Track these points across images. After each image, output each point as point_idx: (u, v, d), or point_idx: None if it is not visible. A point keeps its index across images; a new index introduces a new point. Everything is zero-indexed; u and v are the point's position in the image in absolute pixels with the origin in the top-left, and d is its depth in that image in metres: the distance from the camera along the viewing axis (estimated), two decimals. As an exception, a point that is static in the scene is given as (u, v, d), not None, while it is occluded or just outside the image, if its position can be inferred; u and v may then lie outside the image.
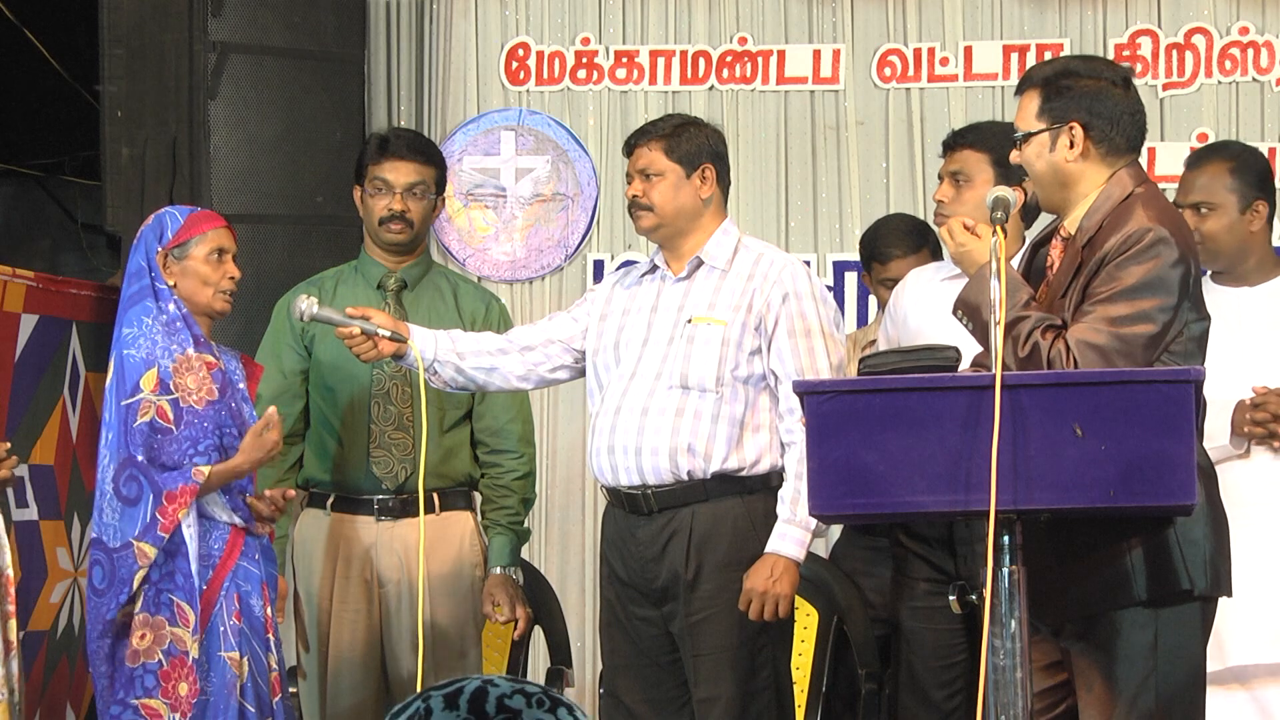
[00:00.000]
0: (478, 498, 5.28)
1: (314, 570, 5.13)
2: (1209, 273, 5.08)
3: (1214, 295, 5.00)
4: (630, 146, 4.77)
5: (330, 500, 5.16)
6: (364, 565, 5.13)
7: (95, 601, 4.61)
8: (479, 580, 5.17)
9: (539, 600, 5.56)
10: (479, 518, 5.25)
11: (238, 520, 4.71)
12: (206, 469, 4.62)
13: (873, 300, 6.14)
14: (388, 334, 4.62)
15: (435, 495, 5.10)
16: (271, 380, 5.14)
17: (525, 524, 5.26)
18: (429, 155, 5.26)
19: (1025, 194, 4.48)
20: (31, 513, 5.88)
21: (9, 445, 4.69)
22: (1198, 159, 5.04)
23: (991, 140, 4.97)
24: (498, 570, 5.15)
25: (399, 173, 5.17)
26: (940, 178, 5.02)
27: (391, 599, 5.12)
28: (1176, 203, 4.93)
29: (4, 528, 4.68)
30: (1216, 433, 4.89)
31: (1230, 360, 4.87)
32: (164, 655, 4.59)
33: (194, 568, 4.60)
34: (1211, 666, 4.76)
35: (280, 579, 5.04)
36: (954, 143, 4.98)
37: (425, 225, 5.26)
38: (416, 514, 5.01)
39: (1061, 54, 6.43)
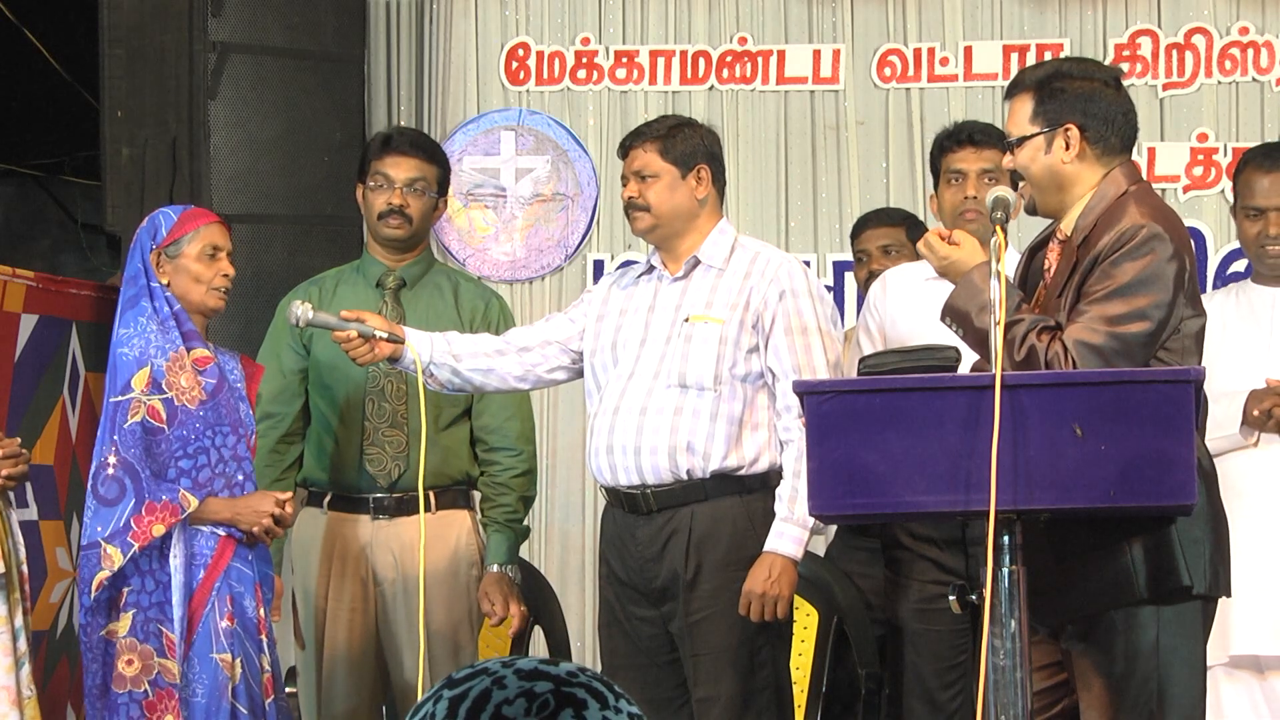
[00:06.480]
0: (478, 496, 5.27)
1: (310, 569, 5.13)
2: (1250, 274, 5.16)
3: (1251, 294, 5.10)
4: (625, 148, 4.76)
5: (327, 499, 5.16)
6: (359, 564, 5.12)
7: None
8: (475, 579, 5.16)
9: (538, 600, 5.56)
10: (478, 516, 5.24)
11: (220, 531, 4.68)
12: (194, 500, 4.59)
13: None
14: (384, 336, 4.61)
15: (432, 494, 5.08)
16: (272, 380, 5.14)
17: (525, 522, 5.24)
18: (431, 153, 5.26)
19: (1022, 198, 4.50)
20: (31, 513, 5.87)
21: (19, 440, 4.67)
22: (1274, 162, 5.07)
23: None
24: (494, 568, 5.13)
25: (400, 168, 5.17)
26: (953, 174, 5.02)
27: (387, 597, 5.11)
28: (1245, 205, 5.01)
29: (16, 526, 4.67)
30: (1227, 422, 4.93)
31: (1260, 357, 4.94)
32: (150, 686, 4.56)
33: (177, 597, 4.58)
34: (1215, 658, 4.77)
35: (278, 578, 5.03)
36: (982, 141, 5.00)
37: (425, 223, 5.25)
38: (412, 512, 4.99)
39: (1061, 54, 6.44)
